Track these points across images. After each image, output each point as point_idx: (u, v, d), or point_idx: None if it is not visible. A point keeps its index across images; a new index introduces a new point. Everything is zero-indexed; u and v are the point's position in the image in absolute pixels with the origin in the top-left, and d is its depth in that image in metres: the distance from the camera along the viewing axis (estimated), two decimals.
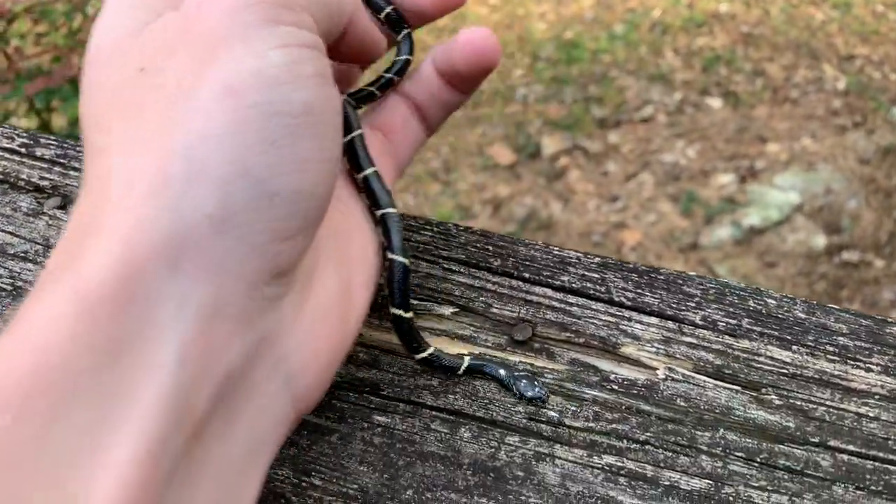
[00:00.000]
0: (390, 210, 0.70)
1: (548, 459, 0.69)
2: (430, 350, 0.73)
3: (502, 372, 0.73)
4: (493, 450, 0.70)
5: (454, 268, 0.82)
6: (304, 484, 0.68)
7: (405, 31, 0.75)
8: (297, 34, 0.42)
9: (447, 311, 0.79)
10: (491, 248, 0.83)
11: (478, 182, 4.16)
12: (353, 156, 0.68)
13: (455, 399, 0.73)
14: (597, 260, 0.82)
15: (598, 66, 4.58)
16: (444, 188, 4.15)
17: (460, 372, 0.73)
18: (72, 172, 0.92)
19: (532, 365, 0.75)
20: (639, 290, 0.79)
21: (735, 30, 4.65)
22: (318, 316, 0.51)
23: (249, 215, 0.40)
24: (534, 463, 0.69)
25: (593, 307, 0.78)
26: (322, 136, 0.44)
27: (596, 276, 0.81)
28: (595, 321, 0.77)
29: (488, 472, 0.69)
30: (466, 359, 0.74)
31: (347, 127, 0.66)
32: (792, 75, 4.48)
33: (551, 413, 0.72)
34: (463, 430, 0.71)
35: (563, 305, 0.79)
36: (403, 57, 0.77)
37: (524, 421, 0.71)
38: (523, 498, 0.67)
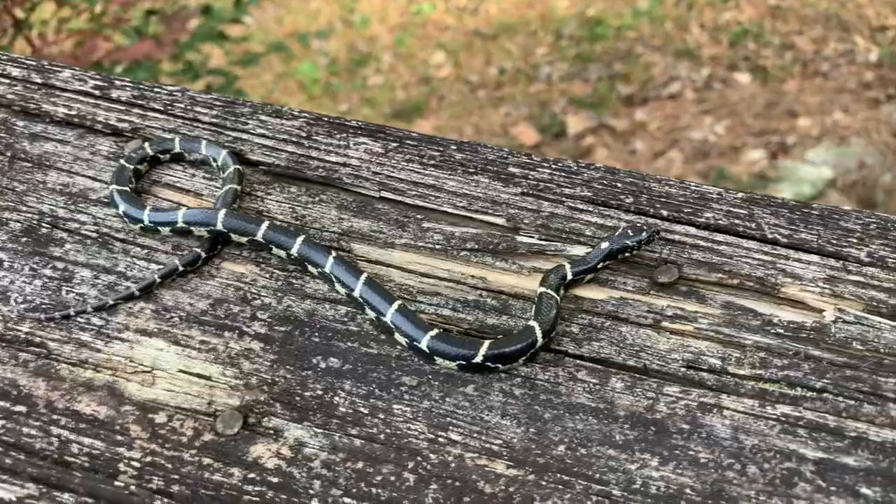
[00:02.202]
0: None
1: (715, 411, 0.61)
2: None
3: (604, 245, 0.68)
4: (650, 401, 0.62)
5: (580, 206, 0.74)
6: (441, 439, 0.61)
7: None
8: None
9: (580, 251, 0.71)
10: (619, 184, 0.76)
11: None
12: None
13: (601, 347, 0.65)
14: (740, 195, 0.74)
15: (623, 43, 4.49)
16: None
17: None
18: (150, 114, 0.84)
19: (682, 309, 0.67)
20: (793, 227, 0.71)
21: (762, 3, 4.55)
22: None
23: None
24: (699, 415, 0.61)
25: (745, 245, 0.70)
26: None
27: (743, 211, 0.73)
28: (749, 260, 0.69)
29: (648, 425, 0.61)
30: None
31: None
32: (822, 48, 4.38)
33: (712, 360, 0.64)
34: (614, 380, 0.63)
35: (709, 244, 0.71)
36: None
37: (682, 370, 0.64)
38: (692, 453, 0.59)
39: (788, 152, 4.25)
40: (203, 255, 0.72)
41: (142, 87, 0.86)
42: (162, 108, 0.84)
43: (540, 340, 0.64)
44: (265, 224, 0.71)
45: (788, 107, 4.40)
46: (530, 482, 0.58)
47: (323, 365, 0.65)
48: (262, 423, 0.62)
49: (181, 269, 0.71)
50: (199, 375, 0.65)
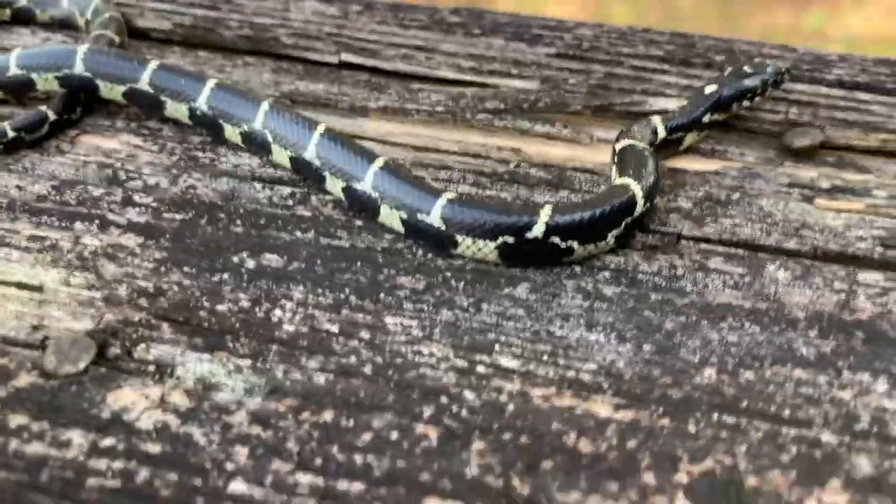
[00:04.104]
0: None
1: None
2: None
3: (710, 90, 0.43)
4: (842, 295, 0.36)
5: (651, 65, 0.49)
6: (480, 368, 0.32)
7: None
8: None
9: (667, 106, 0.45)
10: (698, 47, 0.52)
11: None
12: None
13: (735, 225, 0.39)
14: (871, 56, 0.51)
15: None
16: None
17: None
18: None
19: (842, 180, 0.42)
20: None
21: None
22: None
23: None
24: None
25: None
26: None
27: (884, 70, 0.49)
28: None
29: (850, 329, 0.34)
30: None
31: None
32: None
33: None
34: (771, 267, 0.37)
35: (852, 104, 0.46)
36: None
37: (879, 250, 0.37)
38: None
39: None
40: (51, 116, 0.43)
41: None
42: None
43: (641, 205, 0.37)
44: (153, 65, 0.43)
45: None
46: (666, 430, 0.30)
47: (251, 264, 0.36)
48: (135, 354, 0.33)
49: (10, 135, 0.42)
50: (21, 285, 0.36)
